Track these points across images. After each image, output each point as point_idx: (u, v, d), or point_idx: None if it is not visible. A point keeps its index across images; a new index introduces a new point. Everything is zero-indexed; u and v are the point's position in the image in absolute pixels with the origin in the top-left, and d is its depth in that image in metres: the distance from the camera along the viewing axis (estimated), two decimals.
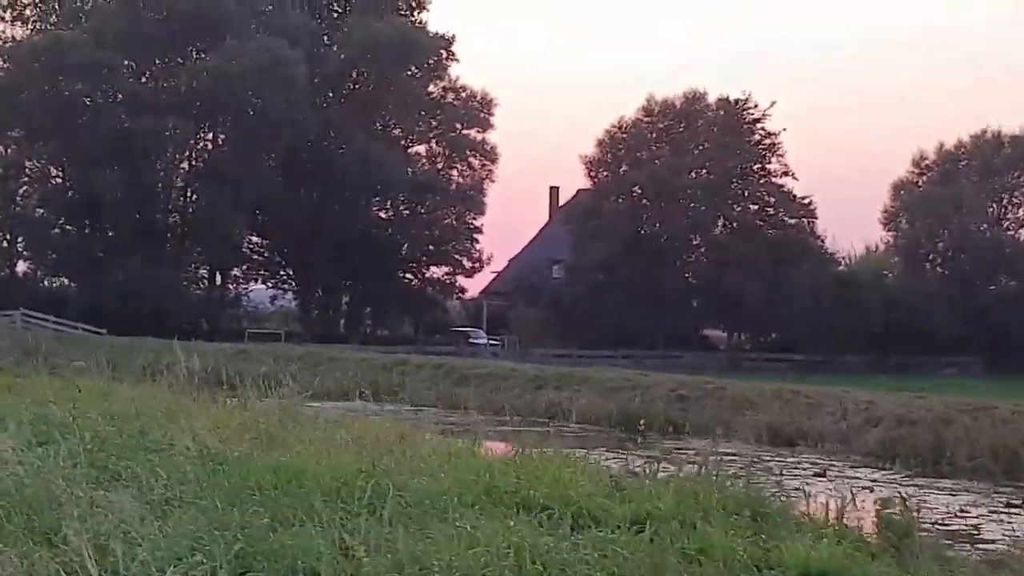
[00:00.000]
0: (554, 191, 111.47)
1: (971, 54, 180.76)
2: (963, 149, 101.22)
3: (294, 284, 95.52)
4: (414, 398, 41.12)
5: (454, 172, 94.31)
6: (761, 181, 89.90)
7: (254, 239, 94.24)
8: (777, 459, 28.86)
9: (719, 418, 32.76)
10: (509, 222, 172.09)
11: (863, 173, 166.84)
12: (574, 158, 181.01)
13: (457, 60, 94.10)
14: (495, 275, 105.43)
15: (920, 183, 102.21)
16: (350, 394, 40.88)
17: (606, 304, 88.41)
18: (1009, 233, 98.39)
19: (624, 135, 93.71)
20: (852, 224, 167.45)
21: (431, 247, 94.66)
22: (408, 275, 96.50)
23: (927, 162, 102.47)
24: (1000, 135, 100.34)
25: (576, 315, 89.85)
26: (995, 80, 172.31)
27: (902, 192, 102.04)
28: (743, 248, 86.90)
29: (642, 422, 30.48)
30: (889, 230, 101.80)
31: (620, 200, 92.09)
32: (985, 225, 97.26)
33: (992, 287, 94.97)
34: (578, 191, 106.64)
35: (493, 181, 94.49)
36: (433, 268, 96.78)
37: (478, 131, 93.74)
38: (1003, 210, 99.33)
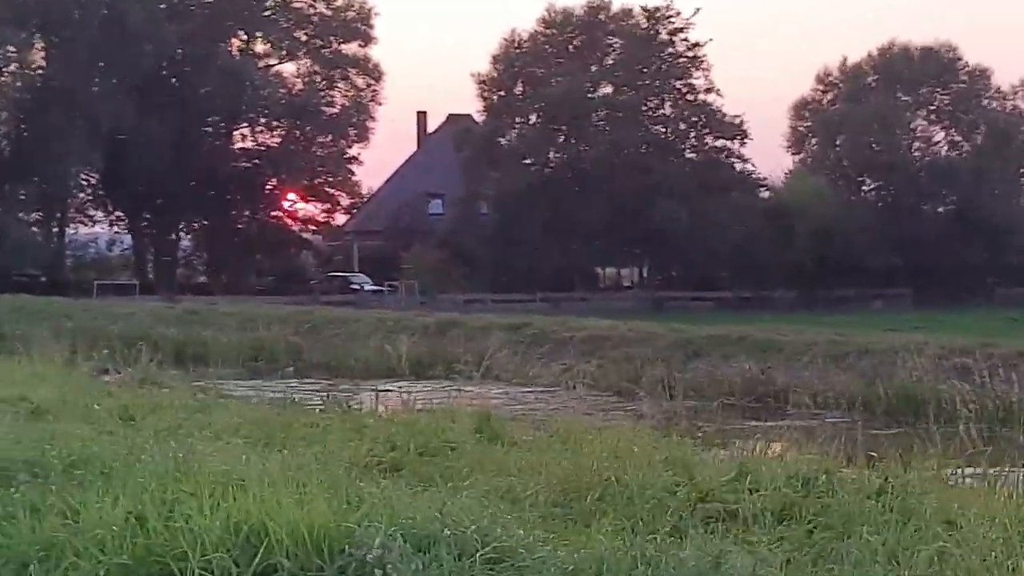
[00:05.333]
0: (422, 117, 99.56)
1: None
2: (873, 64, 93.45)
3: (148, 228, 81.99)
4: (522, 375, 30.07)
5: (336, 93, 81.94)
6: (686, 98, 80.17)
7: (94, 175, 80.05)
8: None
9: None
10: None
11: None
12: (440, 80, 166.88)
13: None
14: (353, 212, 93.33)
15: (824, 102, 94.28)
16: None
17: (516, 242, 77.70)
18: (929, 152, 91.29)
19: (519, 50, 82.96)
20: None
21: (306, 181, 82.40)
22: (276, 213, 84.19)
23: (831, 79, 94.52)
24: (908, 48, 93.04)
25: (481, 255, 78.88)
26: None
27: (805, 112, 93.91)
28: (669, 175, 77.33)
29: None
30: (795, 153, 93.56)
31: (520, 123, 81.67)
32: (916, 144, 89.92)
33: (919, 213, 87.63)
34: (449, 116, 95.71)
35: (380, 103, 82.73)
36: (304, 204, 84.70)
37: (360, 45, 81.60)
38: (916, 128, 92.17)
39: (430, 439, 10.90)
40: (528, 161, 79.83)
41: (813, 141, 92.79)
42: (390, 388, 30.85)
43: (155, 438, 9.53)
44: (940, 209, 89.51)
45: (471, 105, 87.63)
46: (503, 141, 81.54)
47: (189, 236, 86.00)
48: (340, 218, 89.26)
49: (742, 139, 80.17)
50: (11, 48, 70.34)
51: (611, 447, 10.36)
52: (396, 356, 33.76)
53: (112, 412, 12.28)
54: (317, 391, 28.00)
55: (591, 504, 8.48)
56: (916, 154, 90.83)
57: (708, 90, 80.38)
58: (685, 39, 79.87)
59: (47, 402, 12.62)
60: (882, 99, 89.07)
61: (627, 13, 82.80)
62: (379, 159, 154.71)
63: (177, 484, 6.99)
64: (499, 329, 35.35)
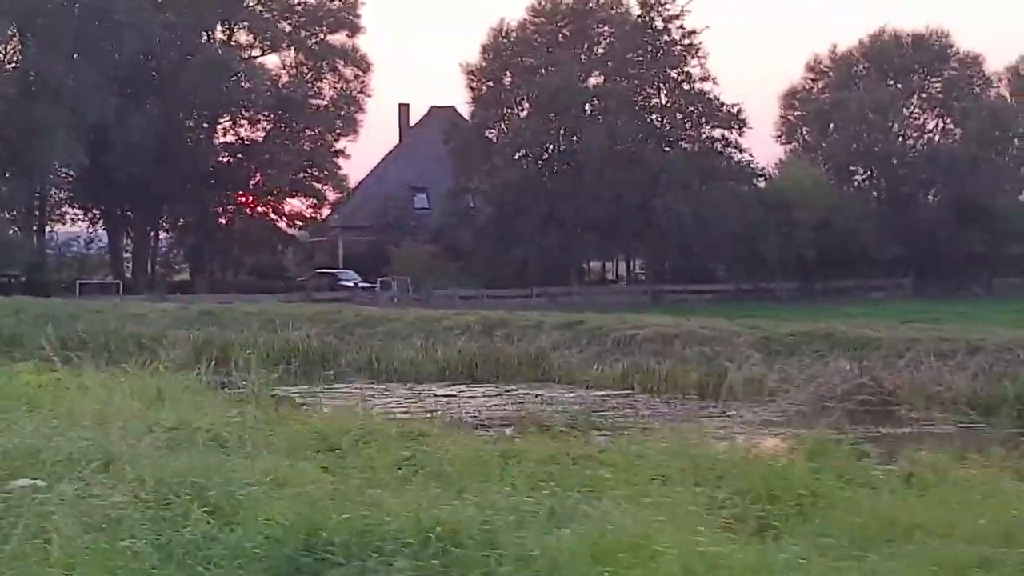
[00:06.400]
0: (403, 109, 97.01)
1: None
2: (863, 51, 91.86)
3: (127, 224, 79.45)
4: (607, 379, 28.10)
5: (323, 85, 79.66)
6: (682, 87, 78.20)
7: (73, 172, 77.31)
8: None
9: None
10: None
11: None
12: (422, 72, 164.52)
13: None
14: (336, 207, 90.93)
15: (815, 90, 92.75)
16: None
17: (510, 236, 75.70)
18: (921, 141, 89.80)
19: (507, 40, 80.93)
20: None
21: (291, 175, 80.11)
22: (261, 208, 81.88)
23: (822, 67, 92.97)
24: (899, 35, 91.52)
25: (473, 250, 76.89)
26: None
27: (795, 101, 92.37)
28: (665, 165, 75.65)
29: None
30: (787, 143, 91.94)
31: (510, 113, 79.80)
32: (908, 132, 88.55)
33: (915, 201, 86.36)
34: (431, 108, 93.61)
35: (369, 95, 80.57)
36: (289, 200, 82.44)
37: (347, 35, 79.42)
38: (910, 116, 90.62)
39: (771, 482, 8.79)
40: (520, 153, 77.84)
41: (805, 130, 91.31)
42: (451, 393, 28.90)
43: (445, 482, 7.49)
44: (935, 197, 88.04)
45: (453, 97, 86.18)
46: (493, 133, 79.58)
47: (169, 233, 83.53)
48: (323, 212, 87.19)
49: (740, 128, 78.34)
50: None
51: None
52: (446, 358, 31.76)
53: (300, 441, 10.20)
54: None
55: None
56: (909, 142, 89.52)
57: (704, 78, 78.49)
58: (681, 26, 77.93)
59: (213, 427, 10.55)
60: (873, 87, 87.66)
61: (617, 1, 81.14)
62: (358, 152, 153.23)
63: None
64: (551, 328, 33.27)
